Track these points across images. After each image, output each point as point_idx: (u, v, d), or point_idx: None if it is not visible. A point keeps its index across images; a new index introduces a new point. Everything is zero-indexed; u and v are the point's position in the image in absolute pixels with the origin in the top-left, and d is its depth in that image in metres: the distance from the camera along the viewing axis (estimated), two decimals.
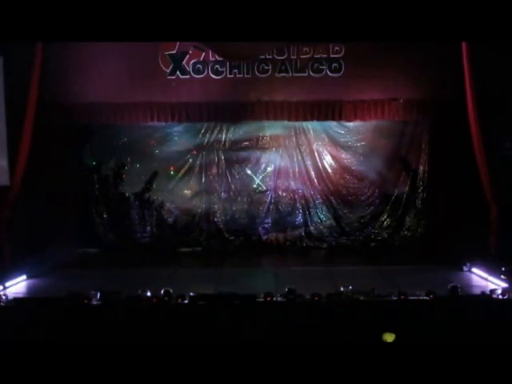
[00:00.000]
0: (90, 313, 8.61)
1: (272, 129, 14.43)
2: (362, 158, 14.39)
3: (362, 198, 14.58)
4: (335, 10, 6.57)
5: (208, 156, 14.51)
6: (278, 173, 14.58)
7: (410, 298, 8.77)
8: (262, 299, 8.74)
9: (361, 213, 14.60)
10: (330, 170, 14.49)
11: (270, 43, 11.76)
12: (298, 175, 14.55)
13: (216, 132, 14.43)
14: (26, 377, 5.32)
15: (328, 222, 14.66)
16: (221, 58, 12.65)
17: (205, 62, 12.81)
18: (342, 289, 9.01)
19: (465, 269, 11.39)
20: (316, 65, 12.79)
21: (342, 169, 14.50)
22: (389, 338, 6.49)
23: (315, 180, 14.54)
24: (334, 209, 14.63)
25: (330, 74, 12.79)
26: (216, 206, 14.59)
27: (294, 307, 8.63)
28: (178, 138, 14.39)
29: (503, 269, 10.18)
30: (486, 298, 8.98)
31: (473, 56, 11.01)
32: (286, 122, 13.93)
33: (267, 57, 12.71)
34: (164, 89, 12.79)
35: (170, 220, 14.56)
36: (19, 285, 10.78)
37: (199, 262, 13.47)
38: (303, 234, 14.59)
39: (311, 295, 8.73)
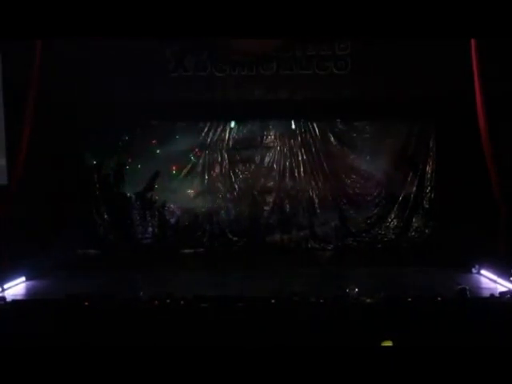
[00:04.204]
0: (90, 315, 8.49)
1: (276, 127, 14.36)
2: (368, 157, 14.27)
3: (369, 198, 14.48)
4: (341, 5, 6.46)
5: (211, 155, 14.42)
6: (283, 172, 14.45)
7: (418, 300, 8.62)
8: (266, 301, 8.60)
9: (367, 213, 14.49)
10: (335, 170, 14.38)
11: (275, 40, 11.70)
12: (302, 175, 14.44)
13: (219, 131, 14.34)
14: (25, 380, 5.20)
15: (334, 222, 14.51)
16: (225, 55, 12.54)
17: (208, 59, 12.70)
18: (347, 291, 8.87)
19: (473, 271, 11.26)
20: (321, 62, 12.69)
21: (348, 168, 14.39)
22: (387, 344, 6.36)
23: (320, 180, 14.42)
24: (340, 209, 14.51)
25: (336, 72, 12.69)
26: (219, 207, 14.50)
27: (298, 309, 8.48)
28: (181, 136, 14.26)
29: None
30: (496, 300, 8.85)
31: (481, 52, 10.86)
32: (290, 121, 13.81)
33: (272, 54, 12.59)
34: (166, 86, 12.68)
35: (172, 220, 14.47)
36: (18, 286, 10.68)
37: (202, 264, 13.37)
38: (308, 234, 14.47)
39: (316, 297, 8.60)
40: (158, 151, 14.30)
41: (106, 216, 14.29)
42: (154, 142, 14.25)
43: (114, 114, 12.96)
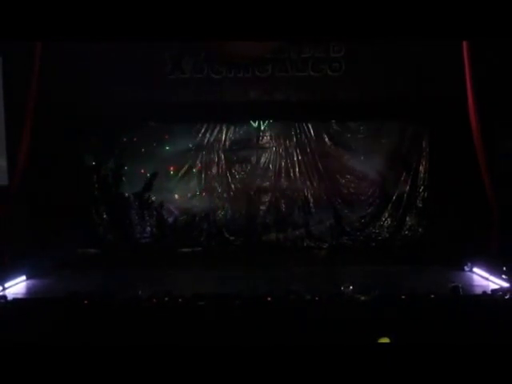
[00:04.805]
0: (90, 313, 8.57)
1: (272, 128, 14.46)
2: (362, 157, 14.37)
3: (363, 197, 14.57)
4: (335, 7, 6.52)
5: (208, 156, 14.50)
6: (279, 172, 14.56)
7: (411, 297, 8.72)
8: (262, 299, 8.70)
9: (361, 212, 14.59)
10: (330, 170, 14.48)
11: (271, 42, 11.77)
12: (298, 175, 14.53)
13: (216, 132, 14.43)
14: (26, 379, 5.27)
15: (329, 221, 14.61)
16: (222, 58, 12.61)
17: (205, 61, 12.78)
18: (342, 289, 8.97)
19: (466, 268, 11.35)
20: (316, 64, 12.78)
21: (343, 168, 14.48)
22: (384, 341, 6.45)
23: (316, 180, 14.52)
24: (335, 208, 14.61)
25: (331, 74, 12.78)
26: (216, 206, 14.59)
27: (294, 307, 8.59)
28: (178, 137, 14.37)
29: (504, 268, 10.16)
30: (488, 297, 8.93)
31: (473, 54, 10.97)
32: (286, 122, 13.93)
33: (267, 56, 12.67)
34: (164, 88, 12.76)
35: (170, 220, 14.55)
36: (19, 285, 10.76)
37: (199, 263, 13.34)
38: (304, 233, 14.58)
39: (311, 295, 8.69)
40: (156, 152, 14.38)
41: (105, 216, 14.35)
42: (152, 142, 14.36)
43: (113, 115, 13.02)
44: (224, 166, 14.54)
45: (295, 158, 14.49)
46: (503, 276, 10.10)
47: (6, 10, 6.06)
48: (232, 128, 14.43)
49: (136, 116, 13.06)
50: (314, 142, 14.42)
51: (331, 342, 6.47)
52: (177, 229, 14.50)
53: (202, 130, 14.40)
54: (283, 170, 14.56)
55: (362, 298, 8.72)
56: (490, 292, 9.04)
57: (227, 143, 14.47)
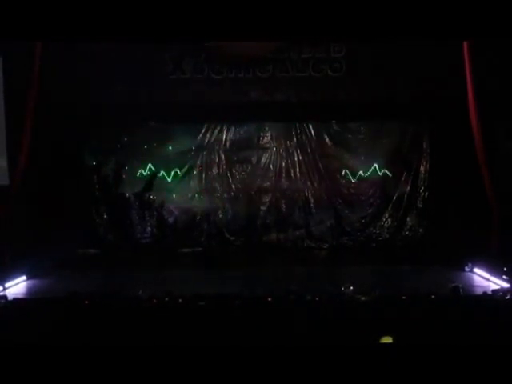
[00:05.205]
0: (90, 313, 8.56)
1: (272, 128, 14.45)
2: (363, 157, 14.34)
3: (363, 198, 14.55)
4: (335, 7, 6.52)
5: (208, 156, 14.48)
6: (279, 173, 14.54)
7: (412, 298, 8.72)
8: (262, 299, 8.70)
9: (362, 213, 14.56)
10: (330, 170, 14.47)
11: (272, 43, 11.77)
12: (298, 175, 14.52)
13: (216, 132, 14.41)
14: (26, 379, 5.26)
15: (329, 222, 14.59)
16: (222, 58, 12.61)
17: (205, 62, 12.79)
18: (343, 289, 8.97)
19: (466, 269, 11.35)
20: (317, 64, 12.79)
21: (343, 169, 14.44)
22: (386, 340, 6.44)
23: (316, 180, 14.50)
24: (335, 209, 14.59)
25: (331, 74, 12.78)
26: (217, 207, 14.56)
27: (294, 308, 8.58)
28: (179, 137, 14.32)
29: (505, 269, 10.16)
30: (488, 298, 8.92)
31: (473, 54, 10.97)
32: (286, 122, 13.92)
33: (268, 56, 12.67)
34: (164, 88, 12.75)
35: (171, 220, 14.52)
36: (19, 285, 10.77)
37: (200, 263, 13.39)
38: (304, 234, 14.56)
39: (312, 296, 8.69)
40: (156, 152, 14.35)
41: (105, 216, 14.32)
42: (152, 142, 14.31)
43: (114, 115, 13.03)
44: (224, 167, 14.53)
45: (296, 159, 14.47)
46: (504, 276, 10.10)
47: (6, 10, 6.07)
48: (232, 128, 14.42)
49: (136, 116, 13.06)
50: (315, 142, 14.40)
51: (331, 342, 6.46)
52: (177, 229, 14.47)
53: (203, 131, 14.38)
54: (284, 171, 14.55)
55: (363, 298, 8.70)
56: (490, 292, 9.02)
57: (228, 143, 14.46)
